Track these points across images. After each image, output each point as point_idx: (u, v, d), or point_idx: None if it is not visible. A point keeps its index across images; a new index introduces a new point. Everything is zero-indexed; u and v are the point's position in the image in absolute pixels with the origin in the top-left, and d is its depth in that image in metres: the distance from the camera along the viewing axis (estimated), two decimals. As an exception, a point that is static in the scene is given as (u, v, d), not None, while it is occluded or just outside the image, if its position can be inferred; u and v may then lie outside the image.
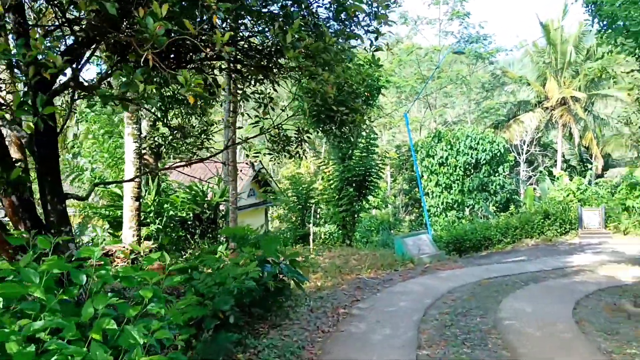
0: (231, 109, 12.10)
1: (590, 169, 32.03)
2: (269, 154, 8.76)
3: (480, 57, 36.13)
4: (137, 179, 10.84)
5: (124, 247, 10.39)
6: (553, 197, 21.94)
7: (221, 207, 14.90)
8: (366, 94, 17.76)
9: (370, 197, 18.67)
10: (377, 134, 18.56)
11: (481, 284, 11.30)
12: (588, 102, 35.26)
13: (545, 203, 21.22)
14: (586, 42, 36.26)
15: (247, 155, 9.69)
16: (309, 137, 8.84)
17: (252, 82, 7.72)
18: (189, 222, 14.31)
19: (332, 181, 18.17)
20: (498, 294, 10.41)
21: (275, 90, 8.04)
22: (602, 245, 17.93)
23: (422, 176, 32.27)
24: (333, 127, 16.84)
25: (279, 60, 6.51)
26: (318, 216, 18.52)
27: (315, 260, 14.29)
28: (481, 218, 30.82)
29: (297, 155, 8.87)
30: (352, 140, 18.27)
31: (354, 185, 17.67)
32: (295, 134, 8.66)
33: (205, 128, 12.58)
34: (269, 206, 25.21)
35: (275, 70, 6.68)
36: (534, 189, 30.47)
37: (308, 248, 15.99)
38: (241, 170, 16.91)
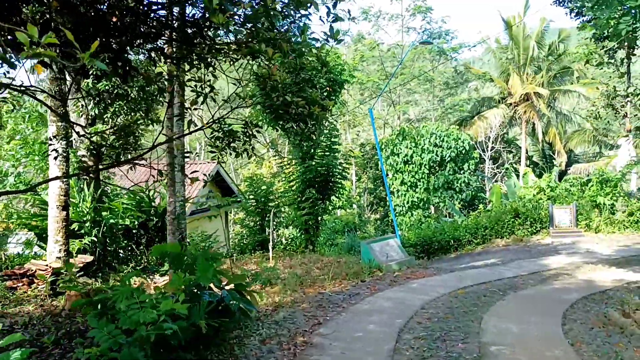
0: (167, 100, 10.45)
1: (556, 165, 31.29)
2: (211, 151, 7.26)
3: (443, 52, 35.12)
4: (63, 185, 9.15)
5: (46, 265, 8.72)
6: (523, 195, 20.90)
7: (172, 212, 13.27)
8: (327, 88, 16.39)
9: (334, 198, 17.24)
10: (339, 131, 17.12)
11: (457, 296, 9.99)
12: (551, 98, 34.62)
13: (515, 201, 20.15)
14: (548, 38, 35.66)
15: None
16: (258, 132, 7.33)
17: (186, 65, 6.22)
18: (134, 231, 12.68)
19: (293, 182, 16.72)
20: (477, 308, 9.11)
21: (214, 76, 6.54)
22: (576, 245, 16.90)
23: (387, 175, 31.07)
24: (293, 125, 15.37)
25: (208, 32, 5.01)
26: (279, 220, 17.01)
27: (273, 268, 12.84)
28: (446, 216, 29.81)
29: (246, 153, 7.35)
30: (313, 138, 16.87)
31: (316, 186, 16.26)
32: (242, 128, 7.16)
33: (146, 124, 10.95)
34: (229, 209, 23.60)
35: (205, 47, 5.16)
36: (500, 186, 29.53)
37: (267, 255, 14.49)
38: (191, 173, 15.25)
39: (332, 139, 16.45)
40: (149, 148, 6.17)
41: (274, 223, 16.53)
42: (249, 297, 6.36)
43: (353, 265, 13.02)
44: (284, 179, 17.13)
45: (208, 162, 25.20)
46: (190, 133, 6.90)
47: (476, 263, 16.00)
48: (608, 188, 18.63)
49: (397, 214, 30.20)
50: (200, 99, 6.48)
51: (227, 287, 6.25)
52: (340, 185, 17.03)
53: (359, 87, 35.51)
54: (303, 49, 5.02)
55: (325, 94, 16.37)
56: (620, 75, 20.39)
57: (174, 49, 6.17)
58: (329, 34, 5.16)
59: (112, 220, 11.74)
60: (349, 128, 42.91)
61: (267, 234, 15.40)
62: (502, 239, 18.85)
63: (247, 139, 7.32)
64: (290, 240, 17.82)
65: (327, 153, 16.52)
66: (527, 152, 36.29)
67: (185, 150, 10.46)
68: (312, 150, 16.65)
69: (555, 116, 34.91)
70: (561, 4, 20.96)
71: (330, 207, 16.97)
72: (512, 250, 17.37)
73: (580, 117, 36.38)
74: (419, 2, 33.84)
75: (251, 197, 16.70)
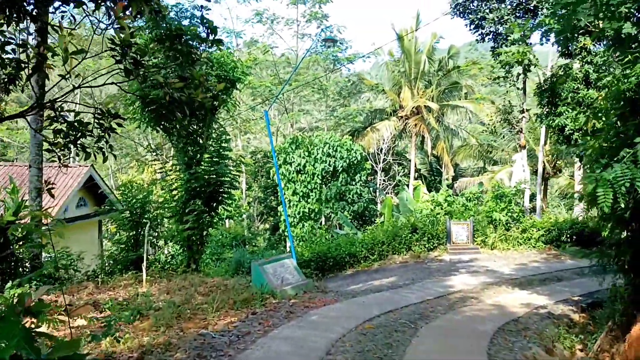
0: None
1: (446, 179, 31.12)
2: (49, 150, 5.07)
3: (337, 61, 34.05)
4: None
5: None
6: (420, 210, 19.92)
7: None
8: (216, 85, 14.25)
9: (222, 209, 15.09)
10: (229, 136, 15.07)
11: (366, 332, 8.32)
12: (440, 112, 34.65)
13: (413, 216, 19.09)
14: (438, 54, 35.83)
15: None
16: (120, 125, 5.21)
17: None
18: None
19: (176, 192, 14.40)
20: (391, 350, 7.50)
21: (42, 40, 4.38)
22: (474, 263, 16.05)
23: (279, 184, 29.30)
24: (177, 126, 13.09)
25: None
26: (158, 235, 14.57)
27: (146, 294, 10.56)
28: (337, 228, 28.58)
29: (102, 153, 5.22)
30: (200, 142, 14.69)
31: (203, 196, 14.08)
32: (96, 118, 5.04)
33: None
34: (104, 217, 20.63)
35: None
36: (392, 198, 28.74)
37: (141, 277, 12.09)
38: (47, 186, 12.55)
39: (222, 144, 14.36)
40: None
41: (150, 238, 14.11)
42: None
43: (242, 290, 11.03)
44: (164, 187, 14.75)
45: (80, 166, 22.08)
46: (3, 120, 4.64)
47: (375, 282, 14.59)
48: (503, 204, 18.06)
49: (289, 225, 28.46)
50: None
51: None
52: (230, 196, 14.96)
53: (250, 92, 33.49)
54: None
55: (215, 92, 14.26)
56: (516, 90, 20.17)
57: None
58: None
59: None
60: (240, 134, 40.73)
61: (141, 250, 12.97)
62: (399, 255, 17.66)
63: (103, 134, 5.19)
64: (170, 257, 15.44)
65: (216, 159, 14.40)
66: (415, 165, 36.12)
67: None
68: (199, 156, 14.45)
69: (443, 131, 34.98)
70: (461, 15, 20.44)
71: (217, 220, 14.81)
72: (410, 267, 16.19)
73: (467, 132, 36.83)
74: (315, 8, 32.49)
75: (125, 207, 14.15)
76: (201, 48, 14.48)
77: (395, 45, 35.89)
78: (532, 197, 24.20)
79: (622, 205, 5.47)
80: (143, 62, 4.78)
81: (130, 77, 4.68)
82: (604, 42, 17.92)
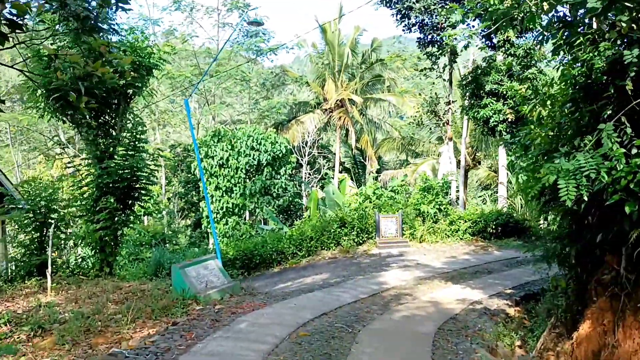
0: None
1: (372, 171, 30.85)
2: None
3: (260, 52, 32.93)
4: None
5: None
6: (348, 203, 19.35)
7: None
8: (131, 72, 13.00)
9: (139, 207, 13.77)
10: (146, 127, 13.78)
11: (301, 341, 7.52)
12: (363, 105, 34.37)
13: (341, 210, 18.49)
14: (362, 47, 35.53)
15: None
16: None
17: None
18: None
19: (86, 188, 12.99)
20: (330, 360, 6.73)
21: None
22: (404, 257, 15.65)
23: (201, 179, 27.96)
24: (86, 115, 11.72)
25: None
26: (66, 236, 13.06)
27: (51, 304, 9.28)
28: (262, 223, 27.67)
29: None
30: (113, 134, 13.34)
31: (116, 193, 12.75)
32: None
33: None
34: (6, 217, 18.58)
35: None
36: (317, 192, 28.13)
37: (45, 284, 10.69)
38: None
39: (138, 136, 13.06)
40: None
41: (57, 240, 12.61)
42: None
43: (162, 296, 9.93)
44: (74, 183, 13.26)
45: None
46: None
47: (305, 280, 13.87)
48: (430, 196, 17.80)
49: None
50: None
51: None
52: (147, 191, 13.67)
53: (170, 83, 31.78)
54: None
55: (129, 79, 12.93)
56: (442, 81, 19.98)
57: None
58: None
59: None
60: (158, 127, 38.80)
61: (45, 254, 11.50)
62: (328, 250, 17.02)
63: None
64: (80, 260, 13.96)
65: (131, 152, 13.09)
66: (340, 158, 35.72)
67: None
68: (112, 149, 13.09)
69: (366, 124, 34.72)
70: (387, 5, 19.98)
71: (133, 218, 13.49)
72: (340, 263, 15.57)
73: (390, 125, 36.80)
74: (236, -3, 31.21)
75: (28, 205, 12.55)
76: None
77: (318, 37, 35.26)
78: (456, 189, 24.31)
79: (586, 198, 4.94)
80: (22, 24, 3.71)
81: (4, 43, 3.60)
82: (533, 33, 18.05)
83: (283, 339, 7.50)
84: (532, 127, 7.45)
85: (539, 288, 12.06)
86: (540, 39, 6.79)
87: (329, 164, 35.90)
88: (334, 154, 35.26)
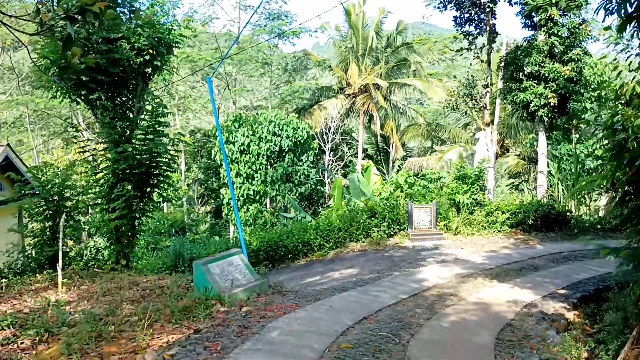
0: None
1: (398, 158, 29.56)
2: None
3: (283, 35, 31.66)
4: None
5: None
6: (378, 192, 18.15)
7: None
8: (150, 50, 11.90)
9: (157, 195, 12.71)
10: (167, 109, 12.68)
11: (342, 356, 6.40)
12: (388, 90, 32.99)
13: (370, 199, 17.32)
14: (386, 29, 34.08)
15: None
16: None
17: None
18: None
19: (101, 174, 11.96)
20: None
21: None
22: (441, 251, 14.46)
23: (221, 165, 26.95)
24: (101, 96, 10.73)
25: None
26: (79, 226, 12.03)
27: (60, 303, 8.29)
28: (284, 211, 26.66)
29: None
30: (131, 116, 12.27)
31: (133, 179, 11.72)
32: None
33: None
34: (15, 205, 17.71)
35: None
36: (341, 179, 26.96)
37: (57, 278, 9.69)
38: None
39: (158, 118, 11.97)
40: None
41: (70, 230, 11.62)
42: None
43: (182, 294, 8.88)
44: (87, 169, 12.24)
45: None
46: None
47: (334, 275, 12.77)
48: (466, 185, 16.52)
49: (232, 209, 26.24)
50: None
51: None
52: (166, 178, 12.60)
53: (190, 66, 30.68)
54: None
55: (147, 57, 11.84)
56: (480, 63, 18.63)
57: None
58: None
59: None
60: (178, 113, 37.83)
61: (57, 246, 10.49)
62: (357, 242, 15.88)
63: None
64: (95, 252, 12.97)
65: (150, 136, 12.02)
66: (362, 145, 34.47)
67: None
68: (129, 132, 12.04)
69: (391, 109, 33.34)
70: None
71: (152, 207, 12.45)
72: (370, 256, 14.43)
73: (414, 111, 35.40)
74: (258, -23, 29.91)
75: (40, 193, 11.57)
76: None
77: (342, 20, 33.87)
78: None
79: None
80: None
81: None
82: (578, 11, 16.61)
83: (323, 354, 6.39)
84: (620, 106, 6.20)
85: (594, 288, 10.90)
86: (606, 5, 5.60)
87: (351, 151, 34.65)
88: (357, 140, 34.00)
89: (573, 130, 22.41)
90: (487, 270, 12.23)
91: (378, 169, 28.90)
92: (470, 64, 20.40)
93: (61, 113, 31.43)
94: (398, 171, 25.50)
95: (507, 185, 30.40)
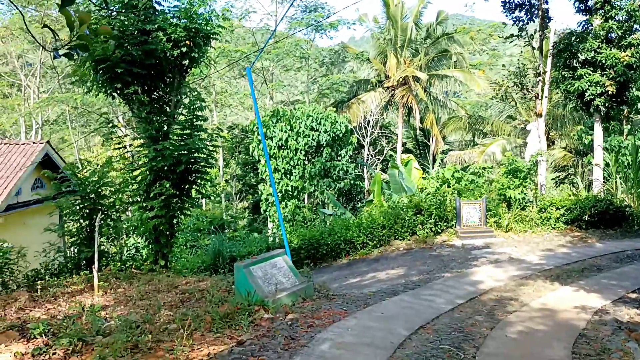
0: None
1: (441, 152, 28.52)
2: None
3: (320, 28, 30.88)
4: None
5: None
6: (424, 187, 17.29)
7: None
8: (187, 42, 11.34)
9: (196, 192, 12.17)
10: (205, 103, 12.11)
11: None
12: (428, 83, 31.91)
13: (415, 195, 16.48)
14: (425, 20, 32.99)
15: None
16: None
17: None
18: None
19: (138, 172, 11.49)
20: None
21: None
22: (492, 249, 13.54)
23: (259, 160, 26.45)
24: (138, 89, 10.25)
25: None
26: (117, 225, 11.56)
27: (94, 309, 7.79)
28: (323, 207, 26.00)
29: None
30: (168, 111, 11.76)
31: (172, 177, 11.20)
32: None
33: None
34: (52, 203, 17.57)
35: None
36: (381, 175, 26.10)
37: (92, 280, 9.21)
38: None
39: (196, 112, 11.42)
40: None
41: (108, 229, 11.16)
42: None
43: (223, 298, 8.27)
44: (125, 166, 11.78)
45: (32, 143, 18.97)
46: None
47: (379, 275, 12.05)
48: (517, 179, 15.50)
49: (270, 205, 25.73)
50: None
51: None
52: (205, 175, 12.05)
53: (227, 60, 30.24)
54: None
55: (184, 49, 11.28)
56: (532, 50, 17.52)
57: None
58: None
59: None
60: (215, 109, 37.56)
61: (94, 246, 10.01)
62: (402, 240, 15.07)
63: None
64: (134, 251, 12.51)
65: (188, 131, 11.49)
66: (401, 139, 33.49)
67: None
68: (167, 128, 11.53)
69: (431, 102, 32.24)
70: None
71: (190, 205, 11.92)
72: (417, 255, 13.62)
73: (455, 104, 34.20)
74: (294, -30, 29.22)
75: (77, 190, 11.15)
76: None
77: (380, 11, 32.90)
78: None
79: None
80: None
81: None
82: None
83: (381, 369, 5.67)
84: None
85: (667, 291, 9.90)
86: None
87: (390, 145, 33.70)
88: (396, 134, 33.04)
89: (624, 121, 21.05)
90: (545, 271, 11.29)
91: (419, 162, 27.95)
92: (521, 52, 19.19)
93: (101, 110, 31.49)
94: (441, 165, 24.53)
95: (553, 179, 29.06)
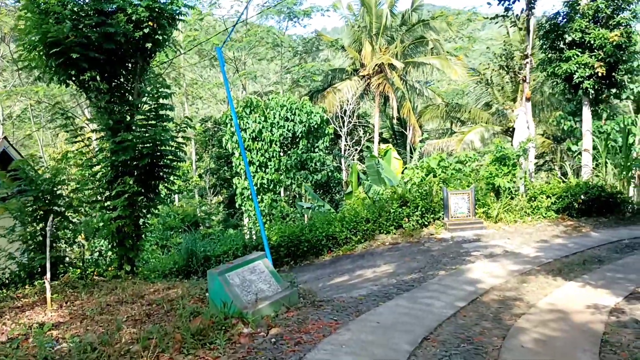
0: None
1: (419, 140, 27.61)
2: None
3: (293, 15, 29.63)
4: None
5: None
6: (409, 177, 16.31)
7: None
8: (149, 22, 10.09)
9: (163, 189, 10.94)
10: (170, 89, 10.89)
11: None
12: (404, 71, 30.97)
13: (400, 186, 15.50)
14: (400, 7, 31.95)
15: None
16: None
17: None
18: None
19: (98, 167, 10.24)
20: None
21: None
22: (485, 242, 12.65)
23: (233, 153, 25.22)
24: (95, 75, 8.98)
25: None
26: (75, 228, 10.29)
27: (44, 327, 6.65)
28: (300, 200, 24.95)
29: None
30: (130, 99, 10.51)
31: (136, 173, 9.99)
32: None
33: None
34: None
35: None
36: (358, 165, 25.09)
37: (43, 291, 7.96)
38: None
39: (160, 100, 10.19)
40: None
41: (64, 233, 9.89)
42: None
43: (195, 310, 7.13)
44: (83, 162, 10.50)
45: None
46: None
47: (365, 273, 11.04)
48: (506, 167, 14.64)
49: (246, 199, 24.54)
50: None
51: None
52: (174, 169, 10.85)
53: (196, 50, 28.78)
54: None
55: (147, 31, 10.04)
56: (518, 31, 16.67)
57: None
58: None
59: None
60: (187, 101, 36.04)
61: (48, 255, 8.74)
62: (387, 234, 14.09)
63: None
64: (97, 257, 11.23)
65: (153, 122, 10.28)
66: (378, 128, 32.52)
67: None
68: (129, 118, 10.29)
69: (407, 90, 31.30)
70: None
71: (158, 202, 10.73)
72: (405, 251, 12.64)
73: (432, 92, 33.35)
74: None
75: (27, 191, 9.85)
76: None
77: (354, -1, 31.72)
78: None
79: None
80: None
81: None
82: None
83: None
84: None
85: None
86: None
87: (367, 135, 32.72)
88: (372, 124, 32.06)
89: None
90: (545, 265, 10.43)
91: (398, 152, 27.05)
92: (507, 33, 18.34)
93: (66, 103, 29.74)
94: (421, 155, 23.64)
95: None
